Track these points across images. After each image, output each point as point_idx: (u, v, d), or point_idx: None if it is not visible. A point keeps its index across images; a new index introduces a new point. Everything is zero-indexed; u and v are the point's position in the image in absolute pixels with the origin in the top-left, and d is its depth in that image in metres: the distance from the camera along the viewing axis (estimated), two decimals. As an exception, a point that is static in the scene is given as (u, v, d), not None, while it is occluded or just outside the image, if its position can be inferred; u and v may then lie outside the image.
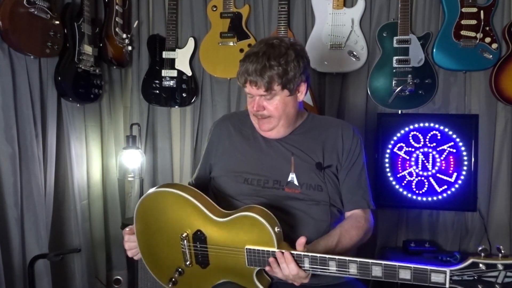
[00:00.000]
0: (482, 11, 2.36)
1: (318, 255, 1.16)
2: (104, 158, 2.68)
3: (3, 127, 1.96)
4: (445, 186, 2.38)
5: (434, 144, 2.39)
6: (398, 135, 2.42)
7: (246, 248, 1.22)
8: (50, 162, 2.23)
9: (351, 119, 2.53)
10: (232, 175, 1.44)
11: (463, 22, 2.39)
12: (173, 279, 1.36)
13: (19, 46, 1.95)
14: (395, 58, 2.45)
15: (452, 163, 2.38)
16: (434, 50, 2.43)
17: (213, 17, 2.63)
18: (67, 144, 2.35)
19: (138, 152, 2.49)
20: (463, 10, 2.38)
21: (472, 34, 2.37)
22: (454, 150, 2.37)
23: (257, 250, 1.21)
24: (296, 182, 1.39)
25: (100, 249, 2.64)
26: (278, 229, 1.21)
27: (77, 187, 2.39)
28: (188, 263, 1.31)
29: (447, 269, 1.05)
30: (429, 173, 2.39)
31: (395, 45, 2.46)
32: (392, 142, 2.43)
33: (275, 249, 1.19)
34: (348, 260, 1.13)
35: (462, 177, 2.35)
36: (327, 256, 1.15)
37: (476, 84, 2.49)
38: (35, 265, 2.02)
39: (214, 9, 2.63)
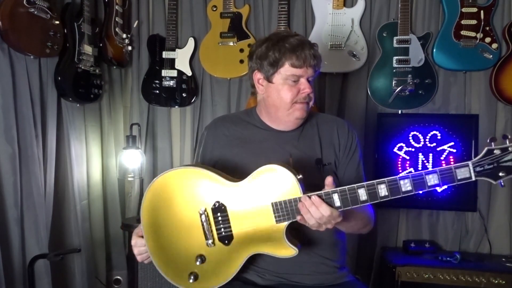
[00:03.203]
0: (482, 11, 2.36)
1: (346, 187, 1.17)
2: (104, 158, 2.68)
3: (3, 127, 1.96)
4: (445, 186, 2.37)
5: (434, 144, 2.39)
6: (398, 135, 2.42)
7: (272, 203, 1.20)
8: (50, 162, 2.23)
9: (351, 119, 2.52)
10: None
11: (463, 22, 2.39)
12: (194, 273, 1.24)
13: (19, 46, 1.95)
14: (395, 58, 2.46)
15: (452, 163, 2.38)
16: (434, 50, 2.43)
17: (213, 17, 2.63)
18: (67, 144, 2.35)
19: (138, 152, 2.49)
20: (463, 10, 2.38)
21: (472, 34, 2.37)
22: (454, 150, 2.37)
23: (283, 201, 1.19)
24: None
25: (100, 249, 2.64)
26: (300, 176, 1.19)
27: (77, 187, 2.39)
28: (210, 242, 1.23)
29: (469, 162, 1.13)
30: (429, 173, 2.39)
31: (395, 45, 2.46)
32: (392, 142, 2.43)
33: (301, 195, 1.18)
34: (376, 182, 1.16)
35: (462, 177, 2.35)
36: (355, 185, 1.17)
37: (476, 84, 2.49)
38: (35, 265, 2.02)
39: (214, 9, 2.63)
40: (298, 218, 1.19)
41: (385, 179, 1.16)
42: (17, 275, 2.03)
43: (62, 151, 2.34)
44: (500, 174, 1.12)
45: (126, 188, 2.84)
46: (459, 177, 1.13)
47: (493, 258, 2.35)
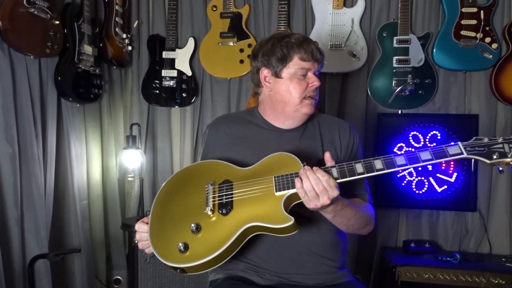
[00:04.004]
0: (482, 11, 2.37)
1: (344, 163, 1.24)
2: (104, 158, 2.68)
3: (3, 127, 1.96)
4: (445, 186, 2.38)
5: (434, 144, 2.39)
6: (398, 135, 2.42)
7: (274, 177, 1.27)
8: (50, 162, 2.23)
9: (351, 119, 2.53)
10: None
11: (463, 22, 2.39)
12: (184, 243, 1.20)
13: (19, 46, 1.95)
14: (395, 58, 2.46)
15: (452, 163, 2.38)
16: (434, 50, 2.43)
17: (213, 17, 2.64)
18: (67, 144, 2.35)
19: (138, 152, 2.49)
20: (463, 10, 2.39)
21: (472, 34, 2.37)
22: (454, 150, 2.37)
23: (285, 174, 1.26)
24: None
25: (100, 249, 2.64)
26: (305, 164, 1.26)
27: (77, 187, 2.39)
28: (209, 208, 1.24)
29: (458, 142, 1.22)
30: (429, 173, 2.39)
31: (395, 45, 2.46)
32: (392, 142, 2.43)
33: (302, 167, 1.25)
34: (372, 159, 1.23)
35: (462, 177, 2.35)
36: (353, 162, 1.24)
37: (476, 84, 2.49)
38: (35, 265, 2.02)
39: (214, 9, 2.63)
40: (297, 185, 1.20)
41: (381, 157, 1.24)
42: (17, 275, 2.03)
43: (62, 151, 2.34)
44: (494, 156, 1.16)
45: (126, 188, 2.84)
46: (451, 153, 1.19)
47: (493, 258, 2.35)
